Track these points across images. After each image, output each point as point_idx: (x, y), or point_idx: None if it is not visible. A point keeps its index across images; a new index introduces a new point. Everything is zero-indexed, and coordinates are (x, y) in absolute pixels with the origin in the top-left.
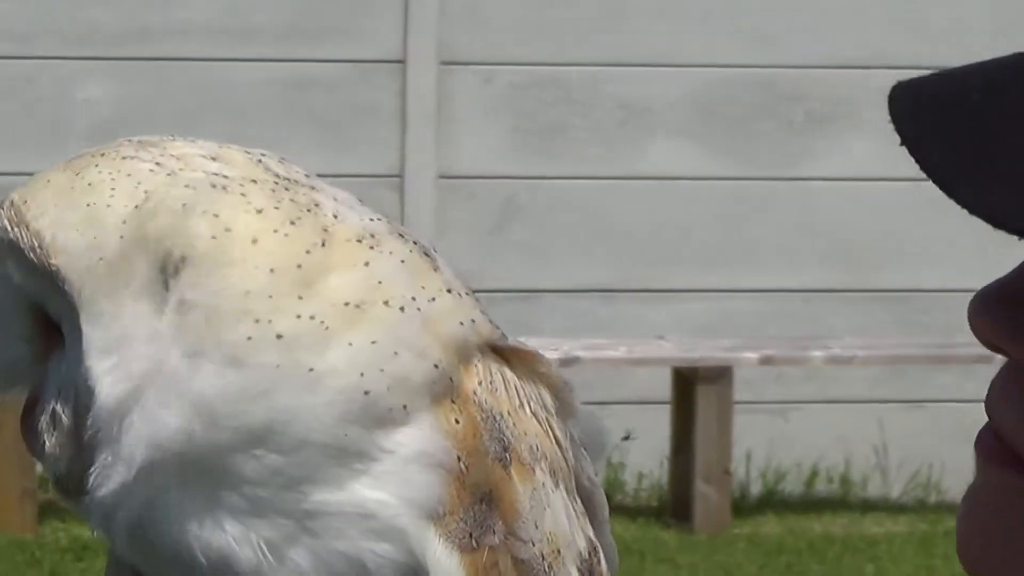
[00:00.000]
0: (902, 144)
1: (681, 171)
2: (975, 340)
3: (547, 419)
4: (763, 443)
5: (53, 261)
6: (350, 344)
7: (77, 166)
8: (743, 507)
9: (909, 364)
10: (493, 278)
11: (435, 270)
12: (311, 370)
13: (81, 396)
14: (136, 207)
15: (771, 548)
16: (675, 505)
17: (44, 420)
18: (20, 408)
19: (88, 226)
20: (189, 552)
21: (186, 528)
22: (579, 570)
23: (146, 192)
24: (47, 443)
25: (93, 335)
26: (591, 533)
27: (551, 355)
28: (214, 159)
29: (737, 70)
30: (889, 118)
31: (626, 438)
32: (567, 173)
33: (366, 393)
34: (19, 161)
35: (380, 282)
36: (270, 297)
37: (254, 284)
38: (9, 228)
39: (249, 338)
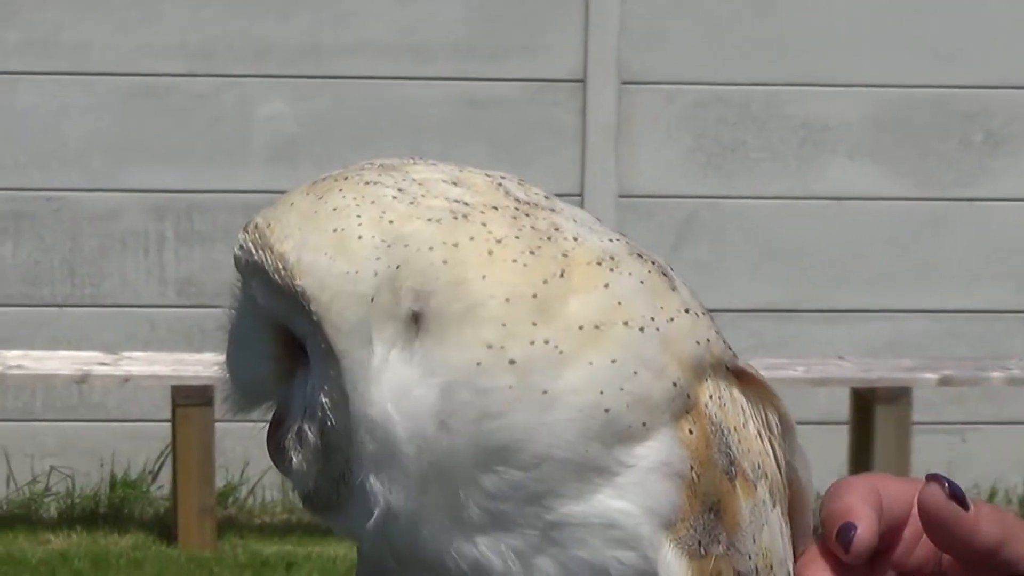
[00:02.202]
0: None
1: (859, 191)
2: None
3: (769, 439)
4: (942, 464)
5: (298, 282)
6: (590, 363)
7: (320, 190)
8: None
9: None
10: None
11: (673, 290)
12: (545, 392)
13: (327, 414)
14: (384, 241)
15: None
16: None
17: (291, 438)
18: (211, 429)
19: (337, 251)
20: (441, 562)
21: (439, 540)
22: None
23: (391, 222)
24: (294, 460)
25: (344, 358)
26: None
27: None
28: (455, 184)
29: (916, 90)
30: None
31: None
32: (745, 192)
33: (606, 411)
34: (202, 178)
35: (620, 303)
36: (503, 325)
37: (487, 313)
38: (254, 250)
39: (479, 364)
